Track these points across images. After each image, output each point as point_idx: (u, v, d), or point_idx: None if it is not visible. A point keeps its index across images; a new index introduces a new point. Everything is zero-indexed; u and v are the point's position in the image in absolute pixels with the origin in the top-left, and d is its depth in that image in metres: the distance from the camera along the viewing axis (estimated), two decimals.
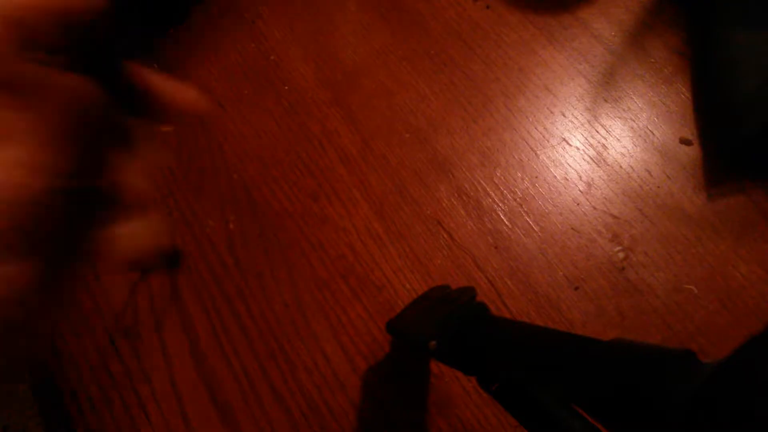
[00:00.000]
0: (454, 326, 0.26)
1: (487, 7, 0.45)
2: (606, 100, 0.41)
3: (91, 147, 0.13)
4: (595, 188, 0.37)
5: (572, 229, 0.36)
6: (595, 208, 0.36)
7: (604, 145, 0.39)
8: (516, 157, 0.38)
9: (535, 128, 0.39)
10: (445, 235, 0.36)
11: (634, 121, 0.40)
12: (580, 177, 0.38)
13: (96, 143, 0.13)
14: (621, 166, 0.38)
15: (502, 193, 0.37)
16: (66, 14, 0.14)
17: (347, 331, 0.33)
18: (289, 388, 0.31)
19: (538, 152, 0.39)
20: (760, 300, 0.33)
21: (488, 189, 0.37)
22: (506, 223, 0.36)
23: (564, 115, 0.40)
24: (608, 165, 0.38)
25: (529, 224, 0.36)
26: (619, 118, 0.40)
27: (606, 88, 0.41)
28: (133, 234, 0.14)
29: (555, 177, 0.38)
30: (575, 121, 0.40)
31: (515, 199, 0.37)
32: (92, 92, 0.13)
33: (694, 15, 0.43)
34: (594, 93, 0.41)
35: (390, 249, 0.35)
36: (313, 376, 0.31)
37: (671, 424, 0.15)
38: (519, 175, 0.38)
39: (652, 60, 0.42)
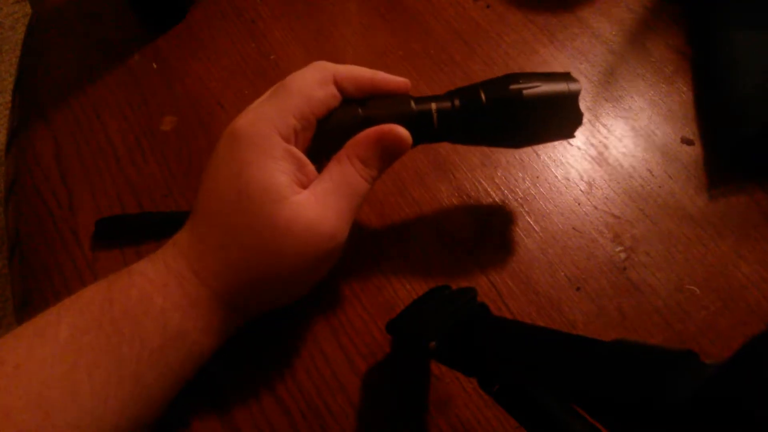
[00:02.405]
0: (455, 327, 0.26)
1: (488, 6, 0.45)
2: (607, 100, 0.40)
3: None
4: (597, 188, 0.37)
5: (573, 229, 0.36)
6: (596, 208, 0.36)
7: (605, 145, 0.39)
8: (517, 157, 0.38)
9: None
10: (446, 236, 0.35)
11: (635, 120, 0.39)
12: (582, 177, 0.37)
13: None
14: (622, 166, 0.38)
15: (503, 193, 0.37)
16: (363, 86, 0.29)
17: (347, 331, 0.33)
18: (288, 388, 0.31)
19: (539, 152, 0.38)
20: (762, 300, 0.33)
21: (489, 189, 0.37)
22: (507, 223, 0.36)
23: None
24: (609, 165, 0.38)
25: (530, 224, 0.36)
26: (620, 117, 0.40)
27: (607, 87, 0.41)
28: None
29: (556, 177, 0.37)
30: None
31: (516, 199, 0.37)
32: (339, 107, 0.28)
33: (695, 15, 0.43)
34: (595, 92, 0.41)
35: (390, 249, 0.35)
36: (312, 376, 0.31)
37: (672, 424, 0.15)
38: (520, 175, 0.38)
39: (653, 59, 0.42)
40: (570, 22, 0.44)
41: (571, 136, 0.31)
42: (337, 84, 0.28)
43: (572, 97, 0.29)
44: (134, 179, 0.38)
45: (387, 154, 0.28)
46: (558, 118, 0.30)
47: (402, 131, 0.28)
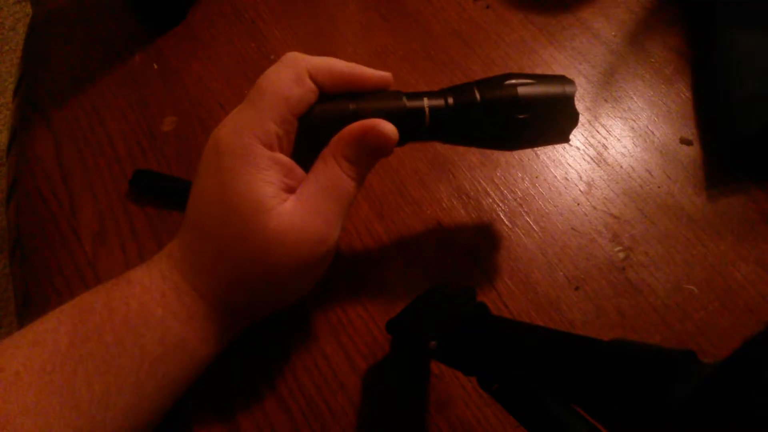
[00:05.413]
0: (454, 326, 0.26)
1: (487, 7, 0.45)
2: (606, 100, 0.41)
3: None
4: (596, 188, 0.37)
5: (572, 229, 0.36)
6: (595, 208, 0.36)
7: (604, 145, 0.39)
8: (516, 157, 0.38)
9: None
10: (446, 235, 0.36)
11: (634, 121, 0.40)
12: (581, 177, 0.38)
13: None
14: (621, 166, 0.38)
15: (502, 193, 0.37)
16: (339, 79, 0.27)
17: (347, 331, 0.33)
18: (289, 387, 0.31)
19: (538, 152, 0.39)
20: (761, 300, 0.33)
21: (488, 189, 0.37)
22: (506, 223, 0.36)
23: None
24: (608, 165, 0.38)
25: (530, 224, 0.36)
26: (620, 118, 0.40)
27: (606, 87, 0.41)
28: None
29: (555, 177, 0.38)
30: None
31: (515, 199, 0.37)
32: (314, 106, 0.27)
33: (695, 15, 0.43)
34: (594, 93, 0.41)
35: (390, 249, 0.35)
36: (313, 376, 0.31)
37: (671, 424, 0.15)
38: (519, 175, 0.38)
39: (653, 60, 0.42)
40: (569, 22, 0.44)
41: (566, 140, 0.30)
42: (312, 78, 0.26)
43: (568, 99, 0.28)
44: None
45: (372, 151, 0.26)
46: (553, 119, 0.29)
47: (387, 126, 0.26)
